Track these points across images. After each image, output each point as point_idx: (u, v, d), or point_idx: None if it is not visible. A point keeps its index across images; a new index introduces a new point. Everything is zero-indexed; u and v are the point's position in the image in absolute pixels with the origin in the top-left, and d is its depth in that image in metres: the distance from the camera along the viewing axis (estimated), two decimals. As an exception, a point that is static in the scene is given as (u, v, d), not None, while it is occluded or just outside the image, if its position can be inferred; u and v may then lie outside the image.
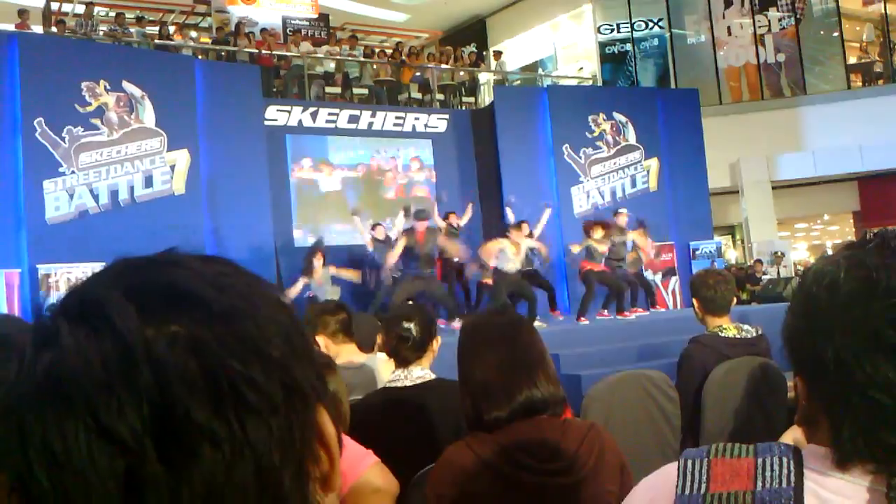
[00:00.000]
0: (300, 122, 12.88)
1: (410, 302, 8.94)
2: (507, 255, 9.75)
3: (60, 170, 10.02)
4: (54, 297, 9.36)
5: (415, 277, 9.54)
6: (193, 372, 0.48)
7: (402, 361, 2.91)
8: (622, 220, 11.13)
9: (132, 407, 0.47)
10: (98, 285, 0.52)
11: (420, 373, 2.89)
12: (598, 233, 10.50)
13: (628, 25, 19.37)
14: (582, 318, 10.30)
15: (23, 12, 11.80)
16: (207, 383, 0.48)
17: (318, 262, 9.99)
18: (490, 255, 9.82)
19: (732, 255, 19.92)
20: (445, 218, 11.24)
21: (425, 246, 9.51)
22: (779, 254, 16.50)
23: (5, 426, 0.49)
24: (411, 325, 2.89)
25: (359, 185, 13.48)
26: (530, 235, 10.38)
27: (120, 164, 10.56)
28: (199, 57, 12.86)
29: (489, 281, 10.10)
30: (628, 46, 19.34)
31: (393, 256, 9.58)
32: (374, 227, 10.90)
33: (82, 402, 0.47)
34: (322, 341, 3.67)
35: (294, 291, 9.80)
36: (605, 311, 10.91)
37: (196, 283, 0.52)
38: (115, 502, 0.46)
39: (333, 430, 0.57)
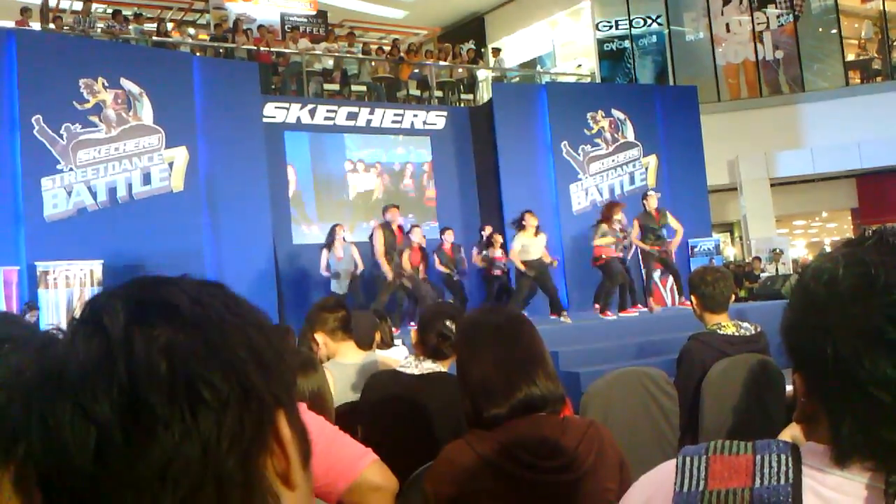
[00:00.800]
0: (298, 119, 12.87)
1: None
2: (528, 246, 9.79)
3: (58, 167, 10.02)
4: (52, 294, 9.37)
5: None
6: (161, 369, 0.59)
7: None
8: (652, 202, 11.01)
9: (105, 393, 0.58)
10: (106, 296, 0.65)
11: (431, 365, 2.97)
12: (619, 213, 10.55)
13: (627, 22, 19.37)
14: (607, 313, 10.33)
15: (25, 10, 11.77)
16: (170, 379, 0.59)
17: (339, 236, 10.63)
18: (517, 258, 9.86)
19: (731, 252, 19.93)
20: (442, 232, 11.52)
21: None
22: (777, 251, 16.51)
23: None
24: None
25: (358, 182, 13.48)
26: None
27: (118, 162, 10.55)
28: (198, 54, 12.85)
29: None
30: (627, 43, 19.34)
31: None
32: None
33: (69, 386, 0.59)
34: (321, 338, 3.67)
35: (322, 267, 10.76)
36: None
37: (180, 298, 0.64)
38: (87, 468, 0.57)
39: (290, 433, 0.66)
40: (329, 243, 10.80)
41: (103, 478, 0.58)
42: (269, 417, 0.64)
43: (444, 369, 2.98)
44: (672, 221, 10.92)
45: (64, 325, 0.65)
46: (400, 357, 3.89)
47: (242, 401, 0.61)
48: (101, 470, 0.57)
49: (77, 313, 0.65)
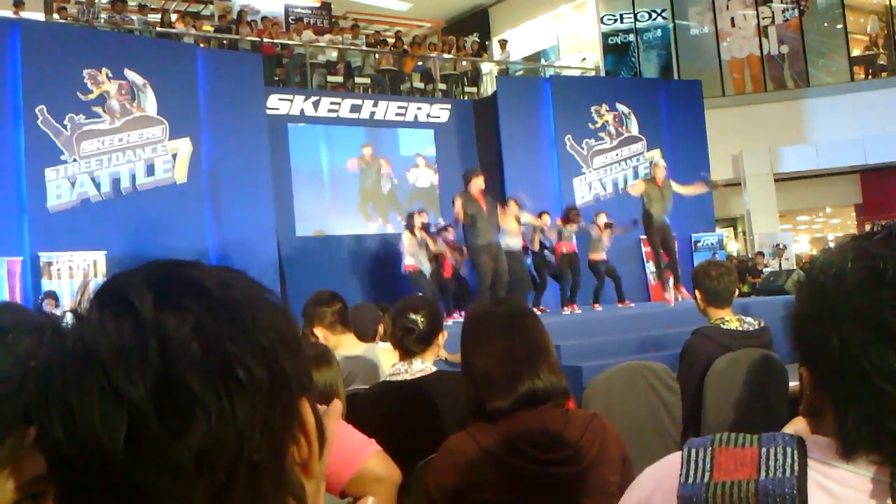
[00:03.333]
0: (302, 111, 12.86)
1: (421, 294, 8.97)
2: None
3: (62, 158, 10.02)
4: (55, 284, 9.39)
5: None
6: (194, 350, 0.57)
7: (406, 353, 2.90)
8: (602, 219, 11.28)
9: (139, 373, 0.56)
10: (126, 276, 0.63)
11: (421, 366, 2.87)
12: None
13: (632, 16, 19.33)
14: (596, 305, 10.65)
15: (19, 3, 11.67)
16: (204, 360, 0.57)
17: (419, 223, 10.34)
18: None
19: (734, 247, 19.92)
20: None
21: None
22: (780, 246, 16.50)
23: (35, 387, 0.59)
24: (418, 317, 2.87)
25: (362, 175, 13.47)
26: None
27: (122, 153, 10.55)
28: (201, 45, 12.83)
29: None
30: (631, 37, 19.30)
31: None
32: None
33: (99, 367, 0.56)
34: (320, 333, 3.66)
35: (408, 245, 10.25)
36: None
37: (206, 280, 0.63)
38: (117, 452, 0.55)
39: (314, 420, 0.65)
40: (409, 226, 10.44)
41: (135, 463, 0.56)
42: (296, 404, 0.63)
43: (434, 368, 2.91)
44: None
45: (68, 312, 0.63)
46: None
47: (274, 385, 0.60)
48: (134, 454, 0.56)
49: (96, 294, 0.62)
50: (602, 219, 11.19)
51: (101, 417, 0.55)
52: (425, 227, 10.46)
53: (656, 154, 10.81)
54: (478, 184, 9.30)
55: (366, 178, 13.46)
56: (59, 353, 0.59)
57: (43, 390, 0.59)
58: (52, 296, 9.06)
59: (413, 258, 10.12)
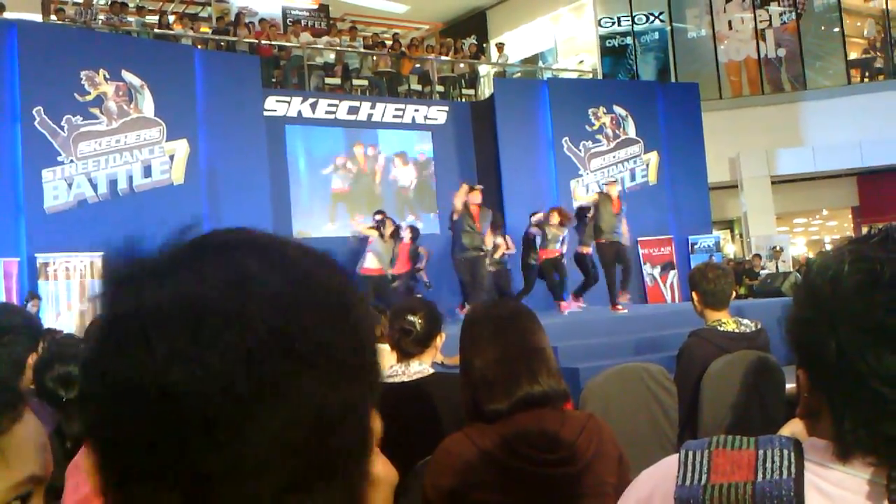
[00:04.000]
0: (300, 112, 12.86)
1: (419, 295, 8.96)
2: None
3: (59, 159, 10.01)
4: (52, 286, 9.37)
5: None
6: (299, 316, 0.54)
7: (404, 354, 2.89)
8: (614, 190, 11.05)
9: (237, 332, 0.52)
10: (216, 232, 0.62)
11: (418, 368, 2.86)
12: (555, 218, 10.58)
13: (629, 19, 19.34)
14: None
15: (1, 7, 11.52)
16: (310, 329, 0.54)
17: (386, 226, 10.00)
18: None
19: (731, 249, 19.93)
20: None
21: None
22: (777, 248, 16.50)
23: (135, 342, 0.53)
24: (415, 319, 2.86)
25: (353, 177, 13.47)
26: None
27: (119, 154, 10.55)
28: (199, 47, 12.83)
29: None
30: (629, 40, 19.32)
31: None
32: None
33: (208, 322, 0.52)
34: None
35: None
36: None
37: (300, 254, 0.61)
38: (216, 402, 0.51)
39: (378, 425, 0.62)
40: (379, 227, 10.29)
41: (232, 414, 0.51)
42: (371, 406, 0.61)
43: (431, 370, 2.90)
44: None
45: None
46: None
47: (365, 379, 0.59)
48: (229, 408, 0.51)
49: (168, 249, 0.61)
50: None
51: (220, 360, 0.51)
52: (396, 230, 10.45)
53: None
54: (473, 198, 9.34)
55: (364, 179, 13.46)
56: (153, 304, 0.54)
57: (144, 344, 0.53)
58: (36, 296, 9.06)
59: (378, 260, 9.82)
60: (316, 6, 17.85)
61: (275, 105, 12.59)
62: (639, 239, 12.32)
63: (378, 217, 10.84)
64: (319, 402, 0.54)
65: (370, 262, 9.83)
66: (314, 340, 0.54)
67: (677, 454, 0.90)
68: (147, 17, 13.76)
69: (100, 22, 12.40)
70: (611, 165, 14.51)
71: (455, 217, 9.75)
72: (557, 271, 10.73)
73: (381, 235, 9.88)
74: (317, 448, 0.54)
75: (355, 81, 14.47)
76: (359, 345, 0.58)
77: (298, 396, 0.53)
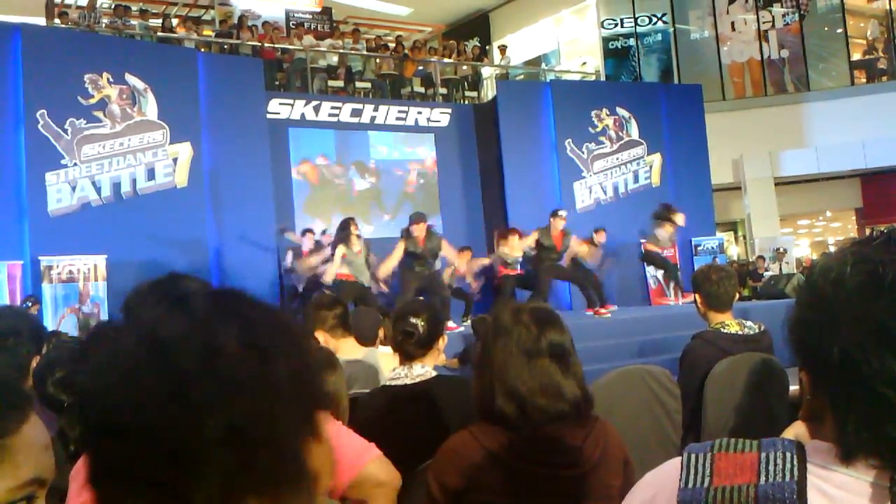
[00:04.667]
0: (303, 115, 12.88)
1: (421, 298, 8.82)
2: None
3: (63, 162, 10.03)
4: (56, 289, 9.38)
5: (415, 272, 9.21)
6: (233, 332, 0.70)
7: (406, 357, 2.88)
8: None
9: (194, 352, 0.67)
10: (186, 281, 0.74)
11: (421, 370, 2.85)
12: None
13: (632, 20, 19.35)
14: None
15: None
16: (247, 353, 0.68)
17: (354, 231, 9.35)
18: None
19: (735, 251, 19.92)
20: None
21: (428, 243, 9.17)
22: (781, 250, 16.49)
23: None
24: (418, 321, 2.85)
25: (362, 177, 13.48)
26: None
27: (122, 157, 10.56)
28: (202, 50, 12.86)
29: None
30: (632, 41, 19.32)
31: (388, 266, 9.23)
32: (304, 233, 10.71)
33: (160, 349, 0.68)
34: (321, 337, 3.66)
35: (334, 268, 9.25)
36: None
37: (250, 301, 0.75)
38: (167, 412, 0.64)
39: (328, 434, 0.74)
40: (345, 238, 9.44)
41: (179, 428, 0.64)
42: (317, 413, 0.73)
43: (434, 372, 2.89)
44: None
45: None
46: None
47: (302, 383, 0.71)
48: (179, 419, 0.64)
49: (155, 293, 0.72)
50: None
51: (156, 384, 0.64)
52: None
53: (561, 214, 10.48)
54: (419, 229, 9.16)
55: (366, 182, 13.47)
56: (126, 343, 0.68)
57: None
58: (35, 300, 9.06)
59: (349, 266, 9.26)
60: (319, 9, 17.87)
61: (278, 108, 12.61)
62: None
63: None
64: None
65: (343, 269, 9.25)
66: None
67: (680, 457, 0.90)
68: (150, 20, 13.80)
69: (103, 25, 12.43)
70: (614, 167, 14.50)
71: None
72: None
73: (348, 245, 9.34)
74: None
75: (358, 84, 14.50)
76: (303, 368, 0.73)
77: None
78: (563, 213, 10.45)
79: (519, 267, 10.59)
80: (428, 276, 9.31)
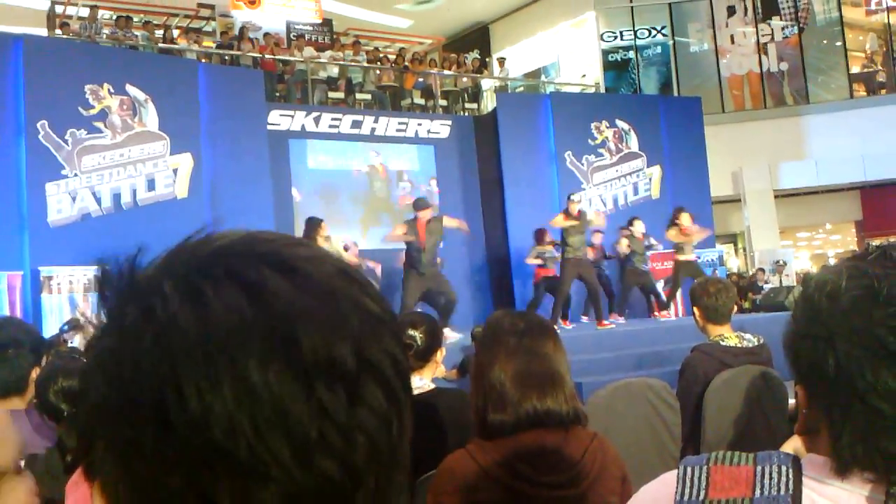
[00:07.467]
0: (303, 126, 12.90)
1: (419, 309, 8.78)
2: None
3: (63, 172, 10.04)
4: (55, 299, 9.37)
5: (420, 274, 9.05)
6: (375, 329, 0.52)
7: None
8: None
9: (343, 345, 0.49)
10: (233, 250, 0.54)
11: (419, 383, 2.82)
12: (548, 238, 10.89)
13: (631, 33, 19.40)
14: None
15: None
16: (381, 343, 0.52)
17: (320, 238, 9.06)
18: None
19: (734, 263, 19.91)
20: None
21: (430, 239, 9.12)
22: (781, 262, 16.49)
23: (151, 378, 0.48)
24: (416, 333, 2.84)
25: (359, 190, 13.49)
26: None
27: (123, 168, 10.57)
28: (203, 61, 12.89)
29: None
30: (631, 54, 19.37)
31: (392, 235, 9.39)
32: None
33: (298, 342, 0.48)
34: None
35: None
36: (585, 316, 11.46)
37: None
38: (303, 427, 0.47)
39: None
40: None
41: (320, 440, 0.47)
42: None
43: (432, 385, 2.86)
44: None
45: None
46: None
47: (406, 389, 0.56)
48: (320, 431, 0.47)
49: (192, 269, 0.53)
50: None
51: (286, 397, 0.47)
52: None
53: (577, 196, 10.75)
54: (424, 215, 9.17)
55: (366, 193, 13.49)
56: (179, 336, 0.49)
57: (171, 378, 0.47)
58: (77, 325, 8.67)
59: None
60: (320, 21, 17.92)
61: (278, 119, 12.63)
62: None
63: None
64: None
65: None
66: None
67: (676, 470, 0.90)
68: (152, 31, 13.84)
69: (104, 36, 12.47)
70: (613, 179, 14.52)
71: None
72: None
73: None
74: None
75: (358, 95, 14.53)
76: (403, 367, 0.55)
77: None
78: (576, 196, 10.70)
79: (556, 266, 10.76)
80: (431, 276, 9.19)
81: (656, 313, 11.48)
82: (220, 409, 0.46)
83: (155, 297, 0.51)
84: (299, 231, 12.28)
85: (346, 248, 10.37)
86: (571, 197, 10.64)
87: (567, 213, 10.25)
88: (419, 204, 9.40)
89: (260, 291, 0.50)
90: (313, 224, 9.19)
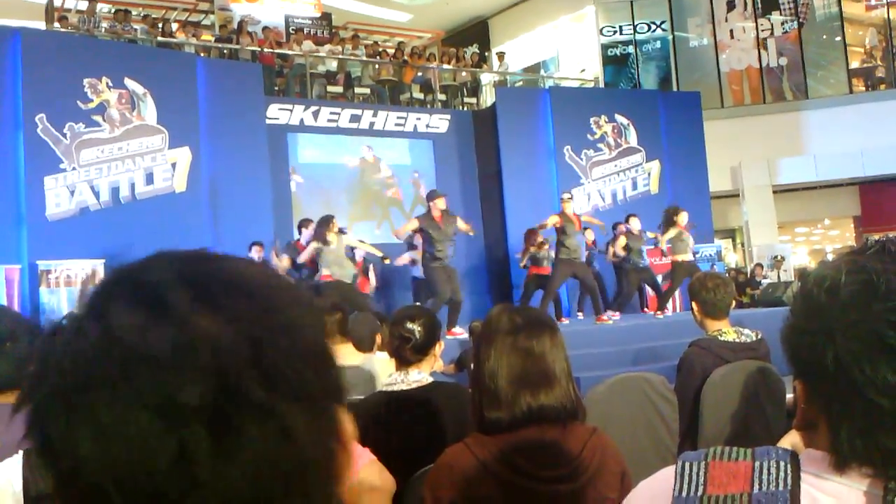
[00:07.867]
0: (302, 120, 12.89)
1: (418, 304, 8.74)
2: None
3: (61, 166, 10.03)
4: (53, 293, 9.37)
5: (444, 267, 8.96)
6: (246, 355, 0.51)
7: (403, 362, 2.87)
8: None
9: (192, 385, 0.49)
10: (151, 271, 0.55)
11: (417, 376, 2.84)
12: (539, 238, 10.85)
13: (631, 27, 19.38)
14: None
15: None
16: (260, 368, 0.51)
17: (331, 234, 9.08)
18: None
19: (733, 258, 19.92)
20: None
21: (448, 229, 9.01)
22: (779, 258, 16.50)
23: (46, 395, 0.51)
24: (415, 326, 2.85)
25: (355, 184, 13.49)
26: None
27: (121, 161, 10.56)
28: (202, 55, 12.87)
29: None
30: (630, 49, 19.35)
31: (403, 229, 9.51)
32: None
33: (144, 381, 0.49)
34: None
35: (305, 255, 9.31)
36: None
37: (245, 276, 0.56)
38: (166, 471, 0.48)
39: (350, 430, 0.60)
40: (320, 237, 9.20)
41: (181, 488, 0.48)
42: (338, 412, 0.58)
43: (430, 379, 2.87)
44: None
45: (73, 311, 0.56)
46: None
47: (325, 392, 0.56)
48: (184, 476, 0.48)
49: (114, 291, 0.54)
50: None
51: (150, 437, 0.48)
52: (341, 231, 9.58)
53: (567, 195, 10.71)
54: (438, 205, 9.12)
55: (365, 187, 13.48)
56: (74, 356, 0.51)
57: (60, 399, 0.50)
58: None
59: (338, 267, 9.06)
60: (318, 15, 17.90)
61: (277, 113, 12.62)
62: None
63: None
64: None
65: (326, 271, 9.09)
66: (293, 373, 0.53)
67: (674, 465, 0.90)
68: (150, 24, 13.81)
69: (103, 30, 12.44)
70: (612, 174, 14.52)
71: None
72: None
73: (327, 243, 9.02)
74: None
75: (357, 90, 14.52)
76: (319, 366, 0.57)
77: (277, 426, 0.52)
78: (567, 195, 10.65)
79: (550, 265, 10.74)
80: (450, 269, 9.10)
81: (653, 312, 11.37)
82: (82, 447, 0.49)
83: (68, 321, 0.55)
84: (296, 221, 12.31)
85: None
86: (563, 196, 10.59)
87: (561, 214, 10.18)
88: (432, 195, 9.35)
89: (110, 327, 0.51)
90: (324, 221, 9.20)
